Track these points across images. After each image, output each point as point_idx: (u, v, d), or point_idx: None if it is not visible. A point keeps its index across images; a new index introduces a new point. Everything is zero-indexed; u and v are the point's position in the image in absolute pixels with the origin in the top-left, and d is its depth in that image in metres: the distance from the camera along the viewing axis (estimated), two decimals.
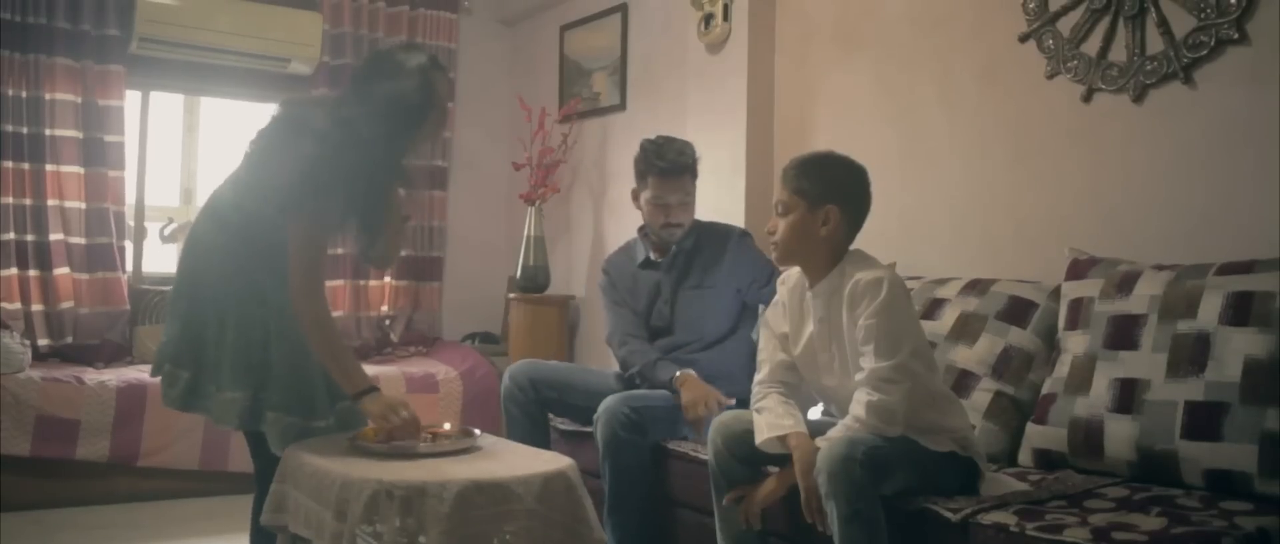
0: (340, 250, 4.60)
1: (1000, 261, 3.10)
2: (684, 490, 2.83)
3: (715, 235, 3.24)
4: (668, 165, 3.13)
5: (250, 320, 2.38)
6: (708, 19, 4.04)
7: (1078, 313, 2.59)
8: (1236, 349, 2.22)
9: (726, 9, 3.96)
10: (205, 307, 2.41)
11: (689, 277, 3.19)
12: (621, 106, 4.79)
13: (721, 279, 3.16)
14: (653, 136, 3.26)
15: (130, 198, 4.76)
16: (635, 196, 3.25)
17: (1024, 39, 3.09)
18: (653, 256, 3.24)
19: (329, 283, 5.00)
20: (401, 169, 2.53)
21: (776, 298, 2.54)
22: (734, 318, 3.19)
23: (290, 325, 2.36)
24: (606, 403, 2.87)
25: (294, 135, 2.38)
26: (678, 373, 2.98)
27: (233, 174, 2.50)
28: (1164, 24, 2.72)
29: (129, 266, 4.76)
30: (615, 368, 3.28)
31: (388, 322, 5.23)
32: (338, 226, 2.45)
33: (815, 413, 2.61)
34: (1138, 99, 2.81)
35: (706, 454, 2.54)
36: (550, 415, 3.23)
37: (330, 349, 2.38)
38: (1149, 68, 2.77)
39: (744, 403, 2.65)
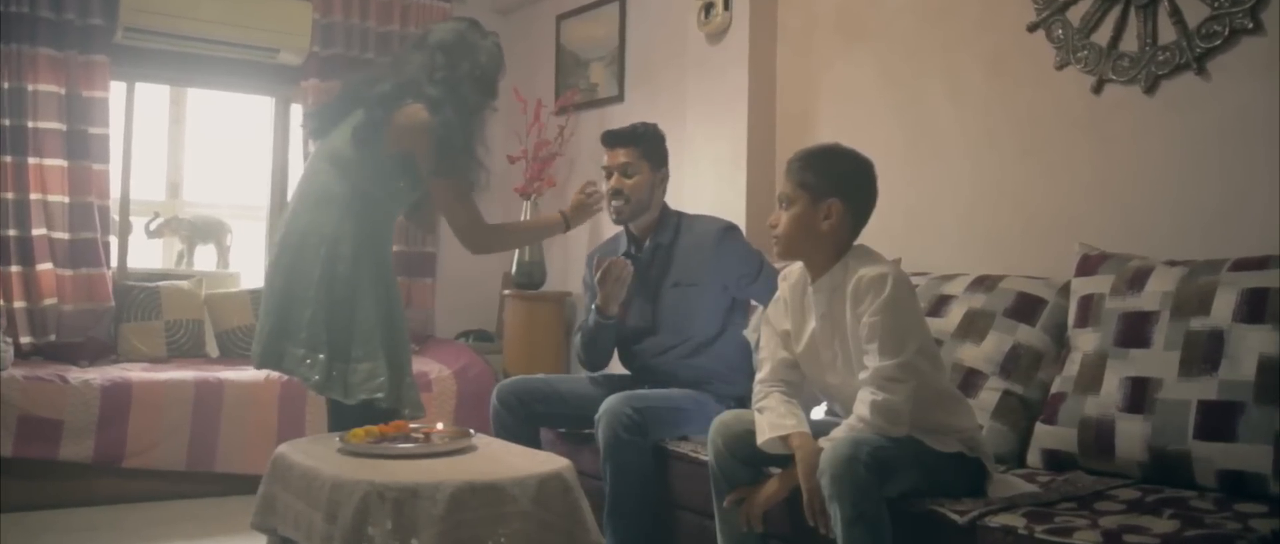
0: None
1: (1008, 257, 3.09)
2: (684, 492, 2.83)
3: (697, 229, 3.17)
4: (610, 134, 3.19)
5: (372, 294, 2.77)
6: (708, 8, 4.03)
7: (1088, 310, 2.59)
8: (1251, 347, 2.22)
9: None
10: (336, 288, 2.74)
11: (670, 273, 3.14)
12: (619, 98, 4.79)
13: (706, 275, 3.09)
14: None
15: (115, 192, 4.75)
16: None
17: (1033, 29, 3.08)
18: (633, 251, 3.20)
19: None
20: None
21: (778, 294, 2.53)
22: (723, 316, 3.14)
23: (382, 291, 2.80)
24: (608, 403, 2.86)
25: (392, 104, 2.76)
26: (594, 307, 3.10)
27: (322, 159, 2.86)
28: (1176, 13, 2.72)
29: (113, 262, 4.75)
30: (607, 370, 3.26)
31: None
32: (475, 181, 2.87)
33: (818, 413, 2.60)
34: (1149, 90, 2.81)
35: (707, 455, 2.53)
36: (541, 429, 3.22)
37: (521, 237, 3.11)
38: (1161, 58, 2.77)
39: (744, 403, 2.65)
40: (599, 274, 3.00)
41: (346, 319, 2.73)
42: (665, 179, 3.19)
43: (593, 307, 3.09)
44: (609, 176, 3.15)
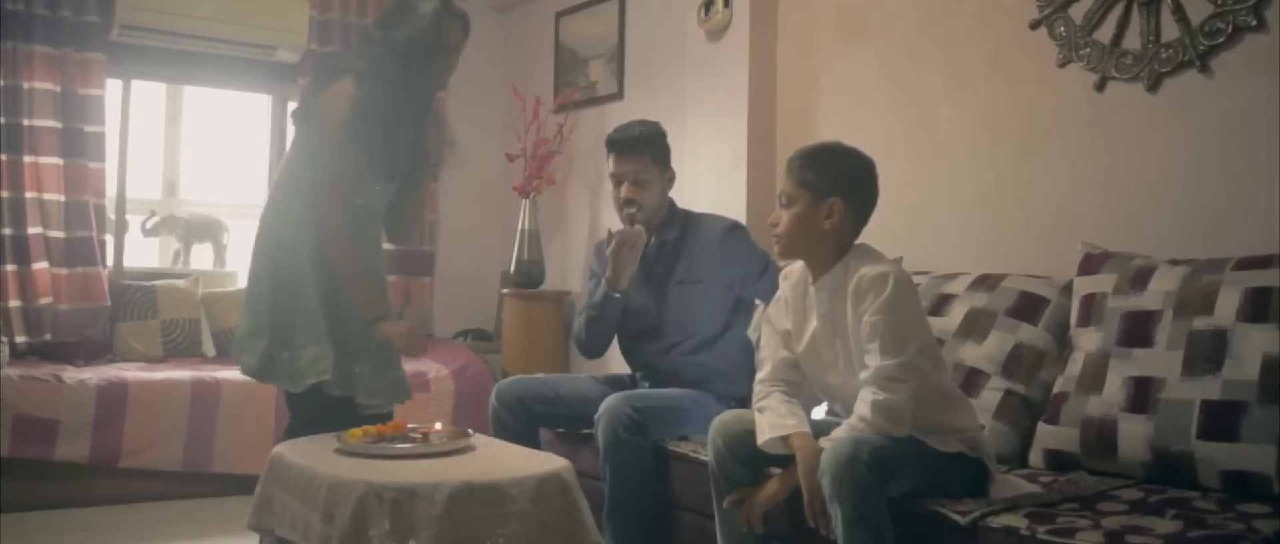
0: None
1: (1010, 256, 3.09)
2: (684, 492, 2.83)
3: (703, 227, 3.19)
4: (620, 138, 3.14)
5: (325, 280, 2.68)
6: (708, 5, 4.03)
7: (1090, 309, 2.59)
8: (1254, 347, 2.21)
9: None
10: (280, 273, 2.70)
11: (675, 270, 3.15)
12: (619, 96, 4.79)
13: (711, 273, 3.10)
14: None
15: (111, 190, 4.75)
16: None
17: (1035, 26, 3.08)
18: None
19: None
20: (427, 137, 2.88)
21: (779, 293, 2.53)
22: (727, 315, 3.15)
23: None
24: (608, 403, 2.86)
25: (329, 80, 2.71)
26: (604, 280, 3.10)
27: (288, 161, 2.82)
28: (1179, 10, 2.72)
29: (109, 261, 4.75)
30: (607, 371, 3.27)
31: None
32: (371, 167, 2.70)
33: (819, 413, 2.60)
34: (1152, 88, 2.81)
35: (707, 455, 2.53)
36: (541, 430, 3.22)
37: (355, 277, 2.65)
38: (1164, 56, 2.76)
39: (744, 403, 2.64)
40: (613, 244, 3.01)
41: (290, 304, 2.68)
42: (672, 177, 3.21)
43: (603, 279, 3.09)
44: (618, 185, 3.14)
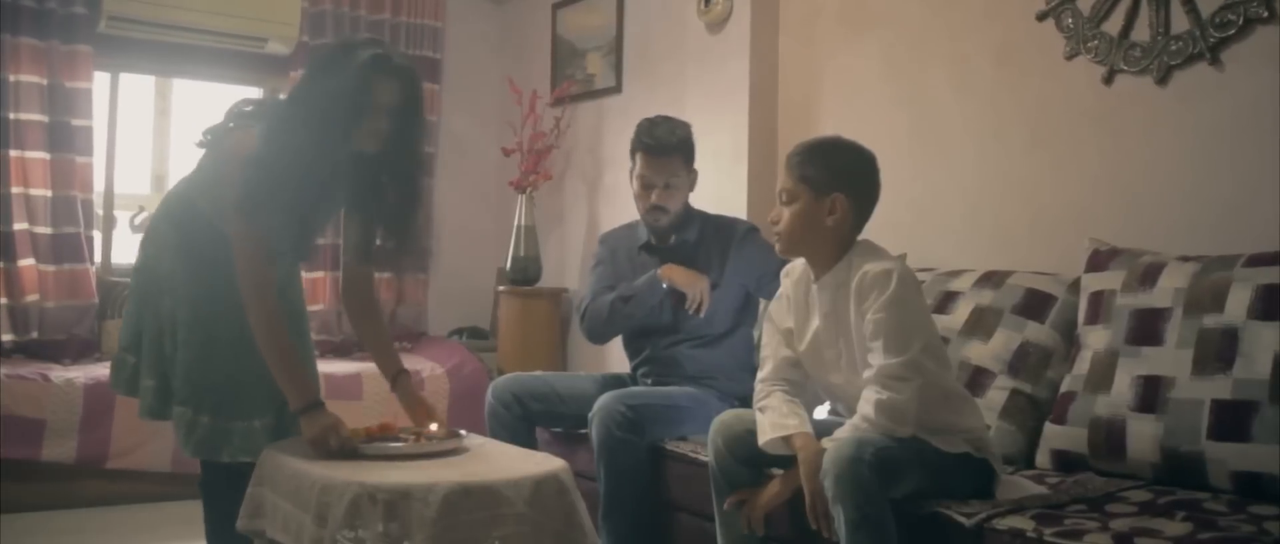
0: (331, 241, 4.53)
1: (1016, 253, 3.09)
2: (683, 493, 2.82)
3: (720, 229, 3.23)
4: (654, 142, 3.13)
5: (199, 323, 2.44)
6: None
7: (1098, 307, 2.58)
8: (1266, 345, 2.21)
9: None
10: (158, 304, 2.48)
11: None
12: (617, 89, 4.78)
13: (727, 275, 3.15)
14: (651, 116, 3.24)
15: (99, 185, 4.73)
16: (630, 177, 3.25)
17: (1042, 17, 3.08)
18: (653, 243, 3.23)
19: (309, 275, 5.00)
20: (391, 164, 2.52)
21: (780, 291, 2.53)
22: (737, 315, 3.19)
23: (232, 329, 2.41)
24: (602, 401, 2.86)
25: (240, 133, 2.43)
26: (656, 272, 3.07)
27: (190, 172, 2.58)
28: (1189, 1, 2.72)
29: (97, 258, 4.74)
30: (605, 370, 3.27)
31: None
32: (283, 225, 2.40)
33: (822, 413, 2.60)
34: (1162, 81, 2.81)
35: (707, 455, 2.53)
36: (537, 429, 3.22)
37: (279, 353, 2.38)
38: (1173, 48, 2.76)
39: (746, 401, 2.64)
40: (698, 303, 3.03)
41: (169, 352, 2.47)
42: (696, 177, 3.25)
43: (664, 289, 3.08)
44: (649, 190, 3.13)
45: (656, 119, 3.20)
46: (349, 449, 2.34)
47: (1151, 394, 2.35)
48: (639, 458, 2.85)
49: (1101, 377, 2.47)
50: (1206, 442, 2.23)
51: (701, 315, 3.03)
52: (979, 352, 2.76)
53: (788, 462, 2.31)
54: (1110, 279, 2.59)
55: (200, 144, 2.51)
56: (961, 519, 2.08)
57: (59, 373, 4.09)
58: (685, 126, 3.20)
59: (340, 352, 4.99)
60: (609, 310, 3.15)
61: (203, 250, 2.44)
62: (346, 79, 2.32)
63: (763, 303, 3.25)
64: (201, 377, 2.43)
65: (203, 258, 2.44)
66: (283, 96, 2.51)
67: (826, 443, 2.17)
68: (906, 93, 3.50)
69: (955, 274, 3.01)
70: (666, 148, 3.12)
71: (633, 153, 3.19)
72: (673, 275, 3.06)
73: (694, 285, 3.02)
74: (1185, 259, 2.49)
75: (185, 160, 5.94)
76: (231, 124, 2.46)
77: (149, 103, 5.69)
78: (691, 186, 3.22)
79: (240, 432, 2.46)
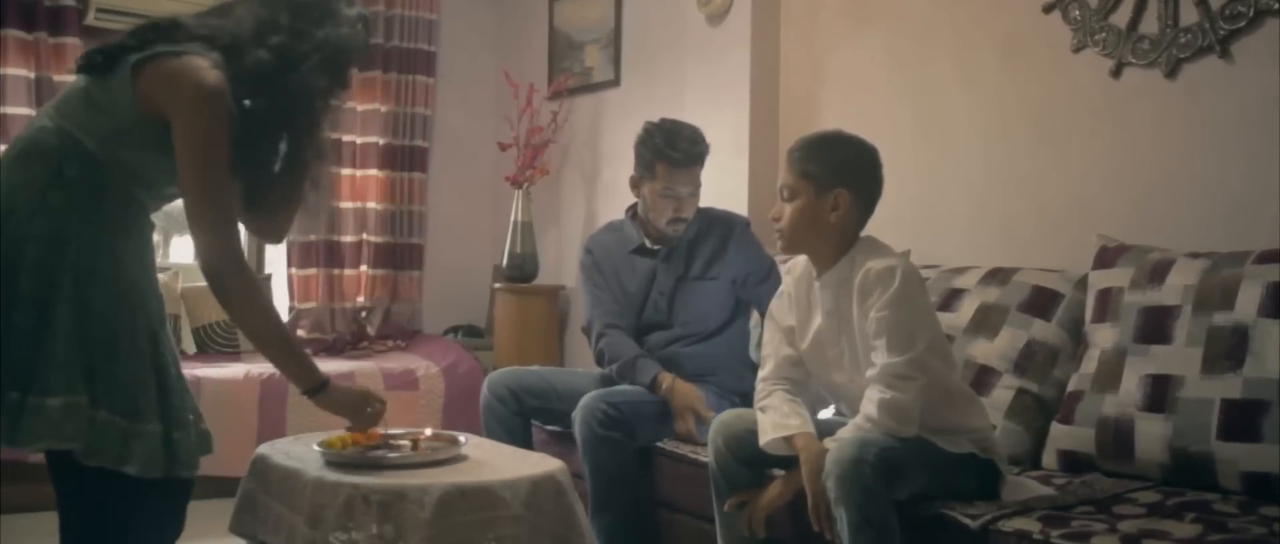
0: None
1: (1022, 249, 3.09)
2: (679, 493, 2.82)
3: (718, 224, 3.23)
4: (682, 156, 3.08)
5: (87, 300, 1.84)
6: None
7: (1106, 304, 2.58)
8: (1276, 343, 2.21)
9: None
10: (16, 285, 1.82)
11: (691, 268, 3.18)
12: (615, 82, 4.78)
13: (723, 271, 3.16)
14: (655, 119, 3.20)
15: None
16: (636, 184, 3.20)
17: (1048, 10, 3.07)
18: (648, 244, 3.23)
19: (301, 272, 5.00)
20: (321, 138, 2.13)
21: (782, 288, 2.53)
22: (731, 310, 3.20)
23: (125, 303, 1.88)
24: (584, 400, 2.88)
25: (177, 62, 1.89)
26: (659, 374, 2.96)
27: (60, 104, 1.94)
28: None
29: None
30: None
31: (364, 314, 5.21)
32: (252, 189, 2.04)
33: (826, 413, 2.60)
34: (1170, 74, 2.80)
35: (705, 455, 2.53)
36: (534, 424, 3.22)
37: (280, 333, 2.10)
38: (1182, 40, 2.76)
39: (747, 398, 2.64)
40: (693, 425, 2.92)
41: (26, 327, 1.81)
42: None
43: (656, 377, 2.96)
44: (674, 202, 3.12)
45: (672, 129, 3.14)
46: (380, 410, 2.28)
47: (1160, 393, 2.34)
48: (624, 456, 2.85)
49: (1109, 375, 2.47)
50: (1216, 442, 2.22)
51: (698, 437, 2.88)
52: (984, 350, 2.75)
53: (789, 462, 2.31)
54: (1118, 276, 2.59)
55: (84, 68, 1.92)
56: (966, 521, 2.07)
57: None
58: (701, 134, 3.18)
59: (333, 350, 4.98)
60: (609, 362, 3.10)
61: (99, 207, 1.88)
62: (350, 25, 2.06)
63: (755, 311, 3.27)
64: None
65: (95, 214, 1.87)
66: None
67: (829, 443, 2.16)
68: (910, 86, 3.50)
69: (960, 271, 3.01)
70: (693, 160, 3.12)
71: (650, 165, 3.12)
72: (671, 394, 2.94)
73: (684, 417, 2.91)
74: (1195, 255, 2.49)
75: None
76: (158, 48, 1.89)
77: None
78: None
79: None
